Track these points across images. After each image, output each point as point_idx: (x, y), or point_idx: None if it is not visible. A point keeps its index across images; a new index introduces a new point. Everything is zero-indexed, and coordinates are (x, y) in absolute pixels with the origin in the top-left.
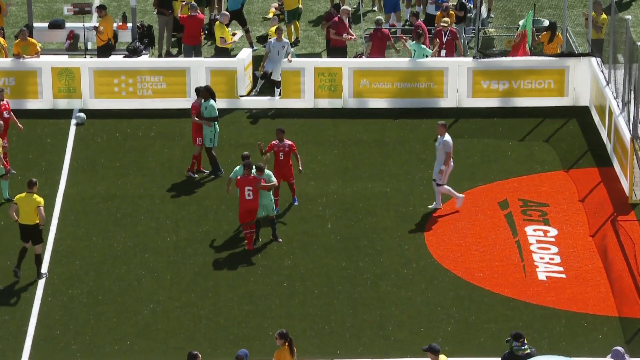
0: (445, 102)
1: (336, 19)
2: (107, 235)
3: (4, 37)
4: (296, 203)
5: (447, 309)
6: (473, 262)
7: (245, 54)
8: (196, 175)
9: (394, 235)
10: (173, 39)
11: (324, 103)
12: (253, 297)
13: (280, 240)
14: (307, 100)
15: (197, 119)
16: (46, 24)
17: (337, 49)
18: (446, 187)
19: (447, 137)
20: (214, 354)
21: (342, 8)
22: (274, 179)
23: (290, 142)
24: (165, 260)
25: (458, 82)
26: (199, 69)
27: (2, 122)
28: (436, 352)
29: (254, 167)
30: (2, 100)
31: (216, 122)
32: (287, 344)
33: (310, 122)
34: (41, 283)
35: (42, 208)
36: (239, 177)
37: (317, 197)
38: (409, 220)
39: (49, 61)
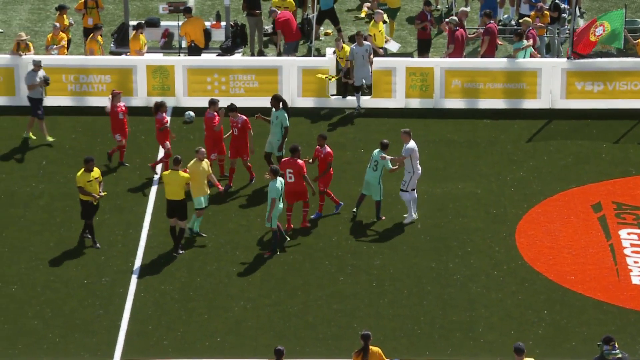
0: (538, 103)
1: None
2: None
3: (101, 35)
4: (337, 211)
5: (538, 311)
6: (565, 264)
7: None
8: (231, 186)
9: (484, 236)
10: (265, 39)
11: (415, 103)
12: (342, 296)
13: (277, 252)
14: (398, 100)
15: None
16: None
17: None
18: (409, 194)
19: (412, 143)
20: (302, 352)
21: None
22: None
23: (328, 150)
24: (255, 258)
25: (552, 83)
26: (291, 67)
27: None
28: (521, 352)
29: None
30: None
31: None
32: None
33: (401, 122)
34: (134, 279)
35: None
36: (282, 160)
37: None
38: (500, 221)
39: (144, 59)
